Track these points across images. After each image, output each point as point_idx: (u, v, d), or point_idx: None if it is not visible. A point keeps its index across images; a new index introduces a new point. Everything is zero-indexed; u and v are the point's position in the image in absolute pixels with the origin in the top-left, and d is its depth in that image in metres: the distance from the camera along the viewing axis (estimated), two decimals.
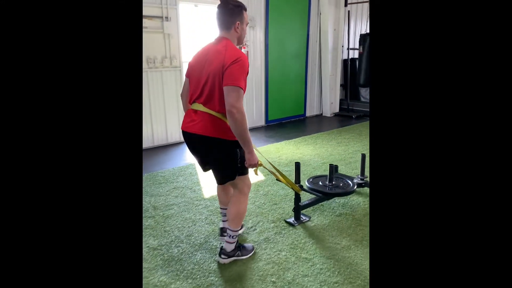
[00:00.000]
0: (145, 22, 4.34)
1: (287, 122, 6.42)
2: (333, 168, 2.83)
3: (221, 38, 1.88)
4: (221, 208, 2.33)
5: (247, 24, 1.96)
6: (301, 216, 2.64)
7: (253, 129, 5.84)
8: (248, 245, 2.24)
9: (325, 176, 2.93)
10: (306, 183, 2.84)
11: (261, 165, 2.06)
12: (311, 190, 2.74)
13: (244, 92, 1.81)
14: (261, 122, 6.12)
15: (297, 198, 2.56)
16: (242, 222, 2.44)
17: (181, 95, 2.08)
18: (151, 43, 4.46)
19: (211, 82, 1.79)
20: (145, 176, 3.62)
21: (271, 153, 4.42)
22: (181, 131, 1.99)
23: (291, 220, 2.62)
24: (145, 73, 4.47)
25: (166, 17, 4.50)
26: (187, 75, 1.99)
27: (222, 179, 2.01)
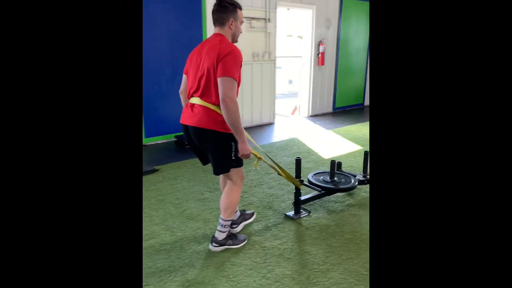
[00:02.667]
0: (253, 23, 5.35)
1: (350, 110, 7.36)
2: (335, 164, 2.84)
3: (216, 35, 1.94)
4: None
5: (241, 23, 2.00)
6: (301, 210, 2.69)
7: (322, 115, 6.81)
8: (240, 235, 2.31)
9: (328, 172, 2.95)
10: (308, 178, 2.88)
11: (260, 159, 2.20)
12: (311, 185, 2.74)
13: (239, 84, 1.87)
14: (329, 109, 7.07)
15: (297, 192, 2.60)
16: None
17: (180, 92, 2.13)
18: (256, 41, 5.47)
19: (207, 75, 1.85)
20: (269, 144, 4.67)
21: (354, 132, 5.38)
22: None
23: (291, 214, 2.67)
24: (250, 65, 5.49)
25: (268, 19, 5.49)
26: (185, 72, 2.05)
27: (217, 170, 2.05)
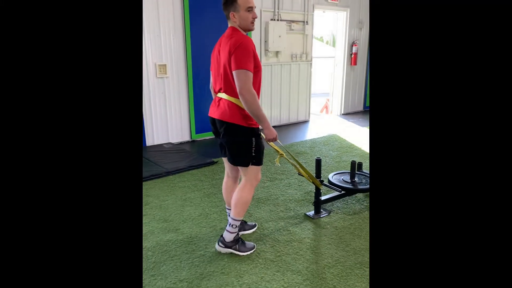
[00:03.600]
0: (293, 26, 5.63)
1: None
2: (355, 165, 2.90)
3: (228, 29, 1.99)
4: (227, 209, 2.34)
5: (248, 9, 1.93)
6: (321, 210, 2.74)
7: (353, 113, 7.03)
8: (249, 243, 2.24)
9: (348, 172, 3.00)
10: (329, 178, 2.95)
11: (282, 155, 2.22)
12: (332, 185, 2.77)
13: (260, 70, 1.95)
14: (360, 107, 7.29)
15: (318, 192, 2.64)
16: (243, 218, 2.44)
17: (210, 88, 2.22)
18: (296, 42, 5.75)
19: (225, 72, 1.92)
20: (310, 139, 4.93)
21: None
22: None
23: (311, 213, 2.72)
24: (289, 65, 5.77)
25: (306, 22, 5.77)
26: (211, 69, 2.13)
27: (234, 161, 2.07)
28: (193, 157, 4.05)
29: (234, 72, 1.84)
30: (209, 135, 5.08)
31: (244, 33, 1.96)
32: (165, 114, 4.65)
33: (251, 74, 1.85)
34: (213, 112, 2.05)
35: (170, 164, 3.77)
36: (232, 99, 1.95)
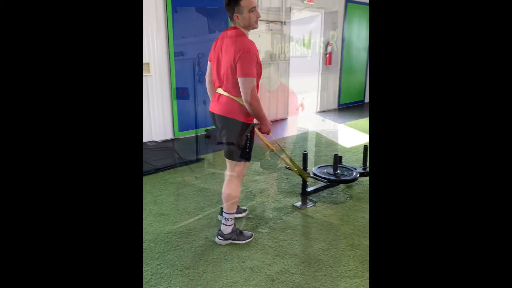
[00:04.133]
0: (272, 26, 5.79)
1: (353, 106, 7.90)
2: (337, 158, 3.16)
3: (231, 28, 2.06)
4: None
5: (251, 10, 1.98)
6: (308, 201, 2.93)
7: (328, 111, 7.31)
8: (246, 232, 2.38)
9: (331, 165, 3.27)
10: (313, 171, 3.14)
11: (273, 150, 2.34)
12: (317, 177, 3.02)
13: (261, 71, 2.05)
14: (335, 105, 7.59)
15: (304, 184, 2.83)
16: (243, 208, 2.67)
17: (206, 77, 2.31)
18: (274, 42, 5.92)
19: (227, 73, 2.02)
20: (292, 136, 5.11)
21: (363, 125, 5.89)
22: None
23: (298, 204, 2.90)
24: (268, 65, 5.93)
25: (284, 22, 5.95)
26: (210, 60, 2.22)
27: (229, 155, 2.19)
28: (179, 154, 4.11)
29: (239, 79, 1.94)
30: (192, 133, 5.14)
31: (247, 32, 2.05)
32: (148, 112, 4.67)
33: (255, 81, 1.95)
34: (214, 107, 2.15)
35: (158, 161, 3.82)
36: (232, 96, 2.05)
